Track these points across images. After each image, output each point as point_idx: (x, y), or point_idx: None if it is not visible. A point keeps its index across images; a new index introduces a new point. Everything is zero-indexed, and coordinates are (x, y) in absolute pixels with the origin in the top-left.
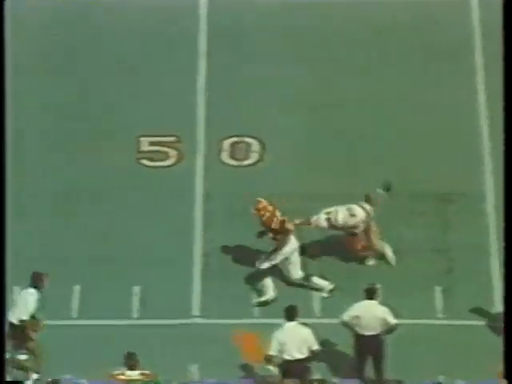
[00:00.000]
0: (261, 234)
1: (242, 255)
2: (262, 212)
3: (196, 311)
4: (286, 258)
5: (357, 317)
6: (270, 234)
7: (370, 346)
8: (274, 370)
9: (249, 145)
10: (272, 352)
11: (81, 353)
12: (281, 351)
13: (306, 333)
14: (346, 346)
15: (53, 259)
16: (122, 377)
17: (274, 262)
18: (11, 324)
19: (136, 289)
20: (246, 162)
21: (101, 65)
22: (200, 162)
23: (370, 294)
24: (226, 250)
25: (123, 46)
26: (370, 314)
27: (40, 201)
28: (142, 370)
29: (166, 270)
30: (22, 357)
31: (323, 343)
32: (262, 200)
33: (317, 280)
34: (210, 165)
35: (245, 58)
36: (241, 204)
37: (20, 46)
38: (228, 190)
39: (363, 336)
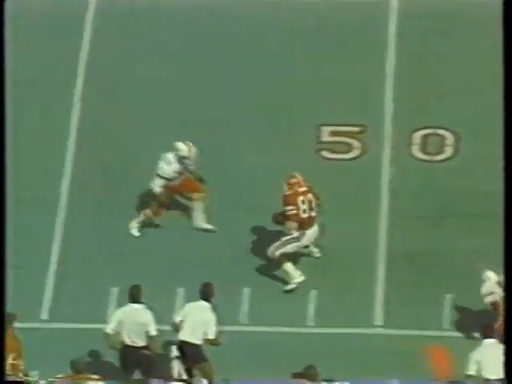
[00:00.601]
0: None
1: (430, 260)
2: (294, 187)
3: (378, 320)
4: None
5: None
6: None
7: None
8: None
9: (442, 138)
10: (470, 372)
11: (251, 359)
12: (479, 370)
13: None
14: None
15: (221, 261)
16: None
17: (287, 251)
18: (188, 345)
19: (312, 293)
20: (438, 157)
21: (274, 51)
22: (387, 156)
23: None
24: (412, 253)
25: (303, 32)
26: None
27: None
28: (320, 381)
29: (346, 274)
30: None
31: None
32: (298, 176)
33: (289, 267)
34: (398, 159)
35: (437, 44)
36: (432, 204)
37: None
38: (418, 188)
39: None
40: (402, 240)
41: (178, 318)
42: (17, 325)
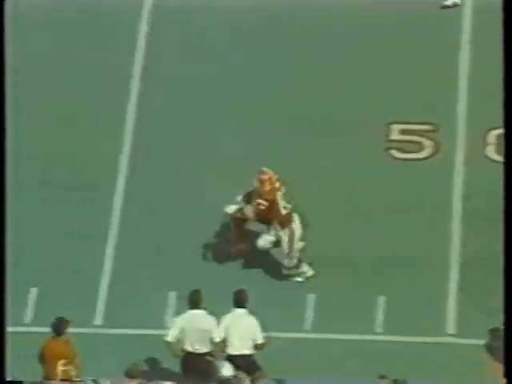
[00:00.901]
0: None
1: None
2: (268, 183)
3: (450, 329)
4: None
5: None
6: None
7: None
8: None
9: None
10: None
11: (317, 367)
12: None
13: None
14: None
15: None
16: None
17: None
18: (240, 357)
19: (380, 300)
20: None
21: (346, 49)
22: (460, 157)
23: None
24: (486, 257)
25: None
26: None
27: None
28: None
29: (416, 279)
30: None
31: None
32: (267, 170)
33: (304, 266)
34: (471, 160)
35: None
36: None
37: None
38: (492, 191)
39: None
40: (475, 243)
41: (221, 335)
42: (70, 330)
